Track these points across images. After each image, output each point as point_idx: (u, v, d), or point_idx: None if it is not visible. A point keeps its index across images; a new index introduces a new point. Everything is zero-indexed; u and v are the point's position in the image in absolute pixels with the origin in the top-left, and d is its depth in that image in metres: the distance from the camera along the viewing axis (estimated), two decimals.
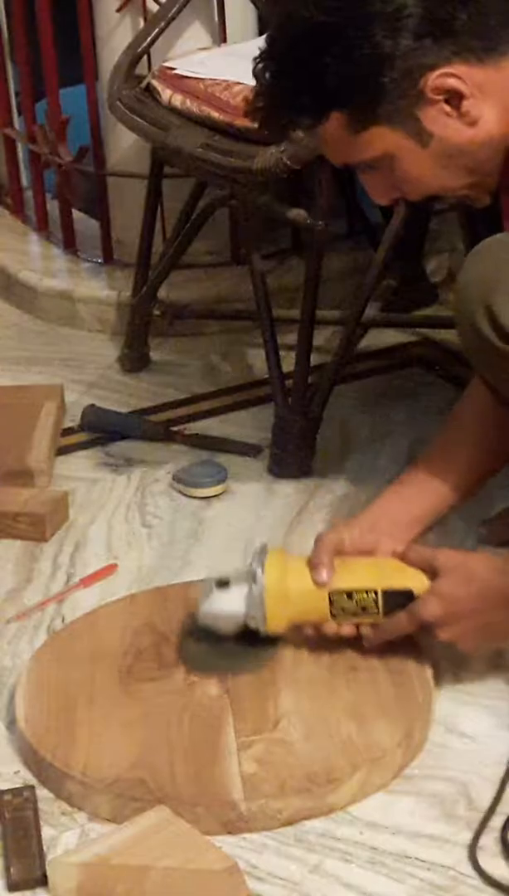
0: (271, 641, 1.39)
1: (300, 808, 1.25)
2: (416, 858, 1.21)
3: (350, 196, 2.29)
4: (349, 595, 1.35)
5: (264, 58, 1.30)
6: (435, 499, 1.43)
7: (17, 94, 2.64)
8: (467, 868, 1.19)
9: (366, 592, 1.35)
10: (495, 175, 1.32)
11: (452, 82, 1.24)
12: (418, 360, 2.16)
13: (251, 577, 1.35)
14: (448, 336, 2.06)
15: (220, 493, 1.82)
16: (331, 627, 1.38)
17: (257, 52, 1.31)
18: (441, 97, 1.25)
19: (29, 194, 2.65)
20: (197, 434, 1.97)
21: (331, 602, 1.35)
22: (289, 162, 1.71)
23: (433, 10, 1.22)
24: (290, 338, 1.87)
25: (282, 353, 1.88)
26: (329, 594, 1.35)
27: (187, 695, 1.37)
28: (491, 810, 1.24)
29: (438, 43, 1.23)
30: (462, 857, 1.20)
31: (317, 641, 1.40)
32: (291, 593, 1.35)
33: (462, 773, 1.30)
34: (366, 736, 1.31)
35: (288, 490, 1.82)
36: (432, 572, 1.34)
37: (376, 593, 1.35)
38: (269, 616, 1.35)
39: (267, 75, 1.29)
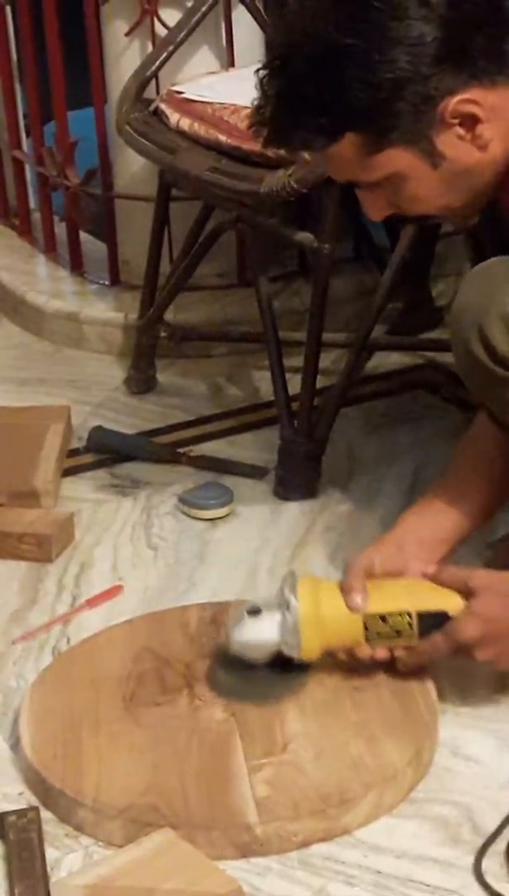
0: (302, 668, 1.39)
1: (315, 830, 1.25)
2: (421, 882, 1.20)
3: (356, 219, 2.30)
4: (383, 619, 1.34)
5: (274, 75, 1.28)
6: (459, 519, 1.43)
7: (25, 117, 2.66)
8: (471, 892, 1.19)
9: (401, 615, 1.34)
10: (486, 194, 1.34)
11: (471, 108, 1.25)
12: (424, 383, 2.16)
13: (285, 605, 1.34)
14: (453, 359, 2.06)
15: (226, 515, 1.82)
16: (364, 652, 1.37)
17: (260, 65, 1.30)
18: (456, 121, 1.26)
19: (37, 216, 2.67)
20: (203, 456, 1.97)
21: (365, 627, 1.34)
22: (296, 185, 1.72)
23: (452, 35, 1.23)
24: (296, 360, 1.88)
25: (288, 375, 1.89)
26: (363, 619, 1.34)
27: (193, 719, 1.37)
28: (497, 833, 1.24)
29: (457, 67, 1.24)
30: (466, 881, 1.20)
31: (350, 666, 1.39)
32: (325, 619, 1.34)
33: (466, 796, 1.30)
34: (376, 756, 1.31)
35: (293, 512, 1.82)
36: (467, 592, 1.34)
37: (410, 615, 1.34)
38: (304, 643, 1.34)
39: (277, 93, 1.28)
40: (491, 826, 1.26)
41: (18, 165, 2.68)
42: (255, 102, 1.31)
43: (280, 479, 1.87)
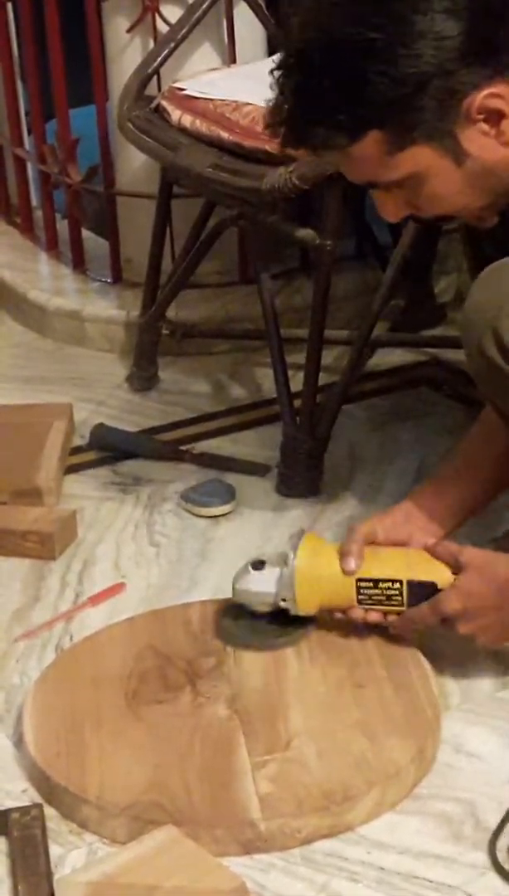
0: (303, 620, 1.45)
1: (318, 827, 1.25)
2: (424, 878, 1.21)
3: (358, 216, 2.30)
4: (374, 584, 1.40)
5: (290, 72, 1.25)
6: (469, 493, 1.46)
7: (27, 114, 2.66)
8: (474, 888, 1.19)
9: (392, 582, 1.39)
10: (507, 195, 1.32)
11: (497, 103, 1.23)
12: (426, 379, 2.17)
13: (283, 560, 1.42)
14: (456, 356, 2.06)
15: (228, 513, 1.82)
16: (357, 613, 1.42)
17: (275, 64, 1.26)
18: (482, 116, 1.24)
19: (38, 214, 2.67)
20: (205, 453, 1.97)
21: (357, 589, 1.40)
22: (297, 182, 1.72)
23: (476, 28, 1.20)
24: (299, 357, 1.88)
25: (290, 372, 1.89)
26: (356, 581, 1.40)
27: (196, 716, 1.37)
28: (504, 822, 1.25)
29: (481, 61, 1.21)
30: (469, 877, 1.20)
31: (345, 627, 1.45)
32: (321, 578, 1.41)
33: (469, 792, 1.30)
34: (379, 753, 1.31)
35: (296, 510, 1.83)
36: (456, 567, 1.37)
37: (401, 583, 1.39)
38: (299, 597, 1.41)
39: (296, 90, 1.25)
40: (494, 823, 1.26)
41: (20, 163, 2.68)
42: (271, 101, 1.29)
43: (282, 476, 1.87)
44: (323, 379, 1.86)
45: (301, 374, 1.85)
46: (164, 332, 2.19)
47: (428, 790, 1.31)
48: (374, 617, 1.42)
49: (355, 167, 1.30)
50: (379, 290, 1.89)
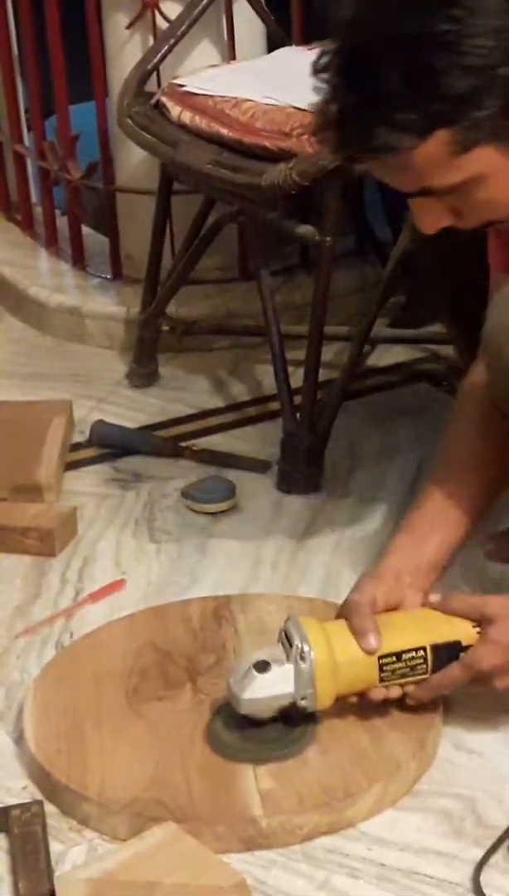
0: (311, 718, 1.32)
1: (320, 823, 1.25)
2: (424, 875, 1.21)
3: (358, 212, 2.30)
4: (398, 657, 1.29)
5: (346, 71, 1.16)
6: (449, 535, 1.39)
7: (26, 111, 2.66)
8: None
9: (416, 651, 1.30)
10: None
11: None
12: (426, 375, 2.16)
13: (298, 654, 1.28)
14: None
15: (229, 509, 1.82)
16: (379, 693, 1.31)
17: (319, 65, 1.18)
18: None
19: (38, 210, 2.67)
20: (205, 450, 1.97)
21: (380, 668, 1.29)
22: (297, 178, 1.72)
23: None
24: (299, 354, 1.88)
25: (290, 369, 1.89)
26: (378, 660, 1.29)
27: (197, 713, 1.37)
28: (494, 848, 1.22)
29: None
30: (470, 874, 1.20)
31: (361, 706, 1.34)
32: (340, 665, 1.28)
33: (470, 789, 1.30)
34: (379, 749, 1.31)
35: (296, 506, 1.82)
36: (481, 620, 1.30)
37: (425, 650, 1.30)
38: (320, 692, 1.28)
39: (353, 90, 1.16)
40: (495, 819, 1.26)
41: (20, 160, 2.67)
42: (318, 105, 1.19)
43: (282, 472, 1.87)
44: (323, 375, 1.86)
45: (301, 371, 1.85)
46: (164, 328, 2.19)
47: (429, 786, 1.31)
48: (395, 693, 1.32)
49: (413, 172, 1.20)
50: (378, 286, 1.89)
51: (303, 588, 1.63)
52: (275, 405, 1.98)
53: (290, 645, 1.29)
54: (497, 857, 1.21)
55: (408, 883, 1.20)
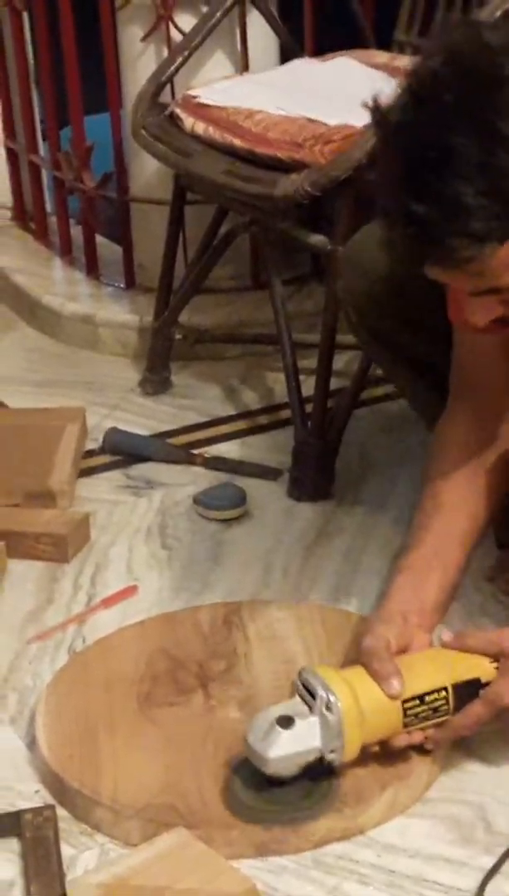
0: (332, 771, 1.27)
1: (332, 829, 1.25)
2: (434, 882, 1.21)
3: (370, 222, 2.30)
4: (421, 699, 1.26)
5: (408, 177, 1.10)
6: (447, 574, 1.37)
7: (41, 121, 2.67)
8: (485, 891, 1.19)
9: (438, 692, 1.26)
10: None
11: None
12: None
13: (324, 705, 1.22)
14: None
15: (240, 516, 1.83)
16: (402, 740, 1.28)
17: (399, 177, 1.10)
18: None
19: (53, 220, 2.68)
20: (217, 457, 1.98)
21: (404, 712, 1.26)
22: (310, 188, 1.73)
23: None
24: (310, 362, 1.89)
25: (301, 377, 1.90)
26: (402, 704, 1.26)
27: (209, 719, 1.38)
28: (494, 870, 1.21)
29: None
30: (479, 881, 1.20)
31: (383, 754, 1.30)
32: (366, 712, 1.24)
33: (479, 796, 1.31)
34: (391, 755, 1.30)
35: (307, 513, 1.83)
36: (499, 655, 1.28)
37: (446, 690, 1.26)
38: (348, 743, 1.24)
39: (420, 200, 1.09)
40: (505, 826, 1.26)
41: (35, 169, 2.69)
42: (388, 210, 1.14)
43: (293, 480, 1.88)
44: (334, 383, 1.87)
45: (312, 379, 1.86)
46: (177, 336, 2.20)
47: (439, 793, 1.31)
48: (418, 737, 1.28)
49: (485, 276, 1.15)
50: None
51: (314, 595, 1.64)
52: (286, 413, 1.99)
53: (312, 696, 1.24)
54: (507, 865, 1.22)
55: (418, 890, 1.20)
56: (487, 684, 1.28)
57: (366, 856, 1.24)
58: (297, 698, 1.26)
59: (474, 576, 1.62)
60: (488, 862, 1.22)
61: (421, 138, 1.10)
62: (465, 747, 1.36)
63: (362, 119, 1.74)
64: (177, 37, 2.22)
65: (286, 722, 1.23)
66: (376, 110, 1.15)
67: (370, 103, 1.14)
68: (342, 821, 1.26)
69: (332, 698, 1.23)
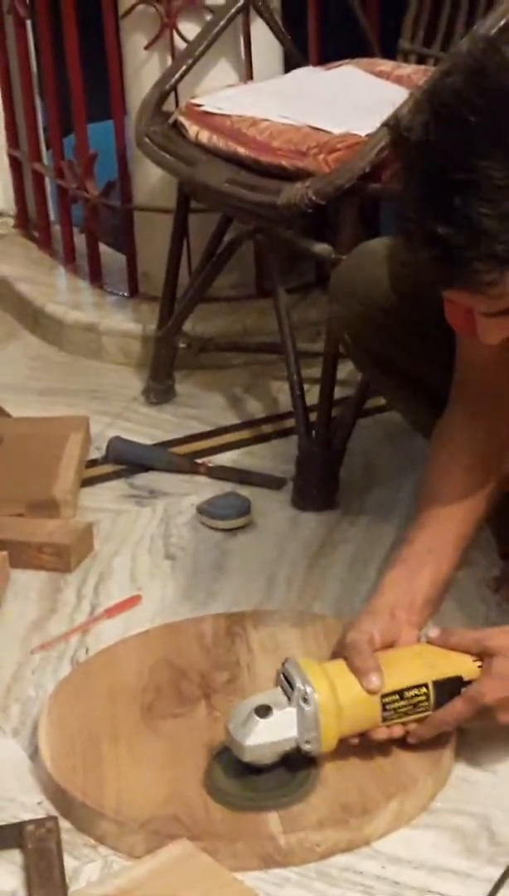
0: (311, 761, 1.30)
1: (338, 841, 1.25)
2: (438, 893, 1.20)
3: (374, 230, 2.30)
4: (400, 694, 1.27)
5: (430, 200, 1.09)
6: (439, 569, 1.38)
7: (45, 129, 2.68)
8: None
9: (417, 688, 1.27)
10: None
11: None
12: None
13: (301, 697, 1.25)
14: None
15: (244, 526, 1.82)
16: (381, 733, 1.29)
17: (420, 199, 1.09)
18: None
19: (56, 228, 2.68)
20: (221, 466, 1.97)
21: (383, 707, 1.27)
22: (314, 197, 1.73)
23: None
24: (314, 371, 1.88)
25: (305, 386, 1.90)
26: (381, 698, 1.27)
27: (212, 730, 1.37)
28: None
29: None
30: (484, 892, 1.20)
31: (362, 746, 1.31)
32: (344, 706, 1.26)
33: (484, 807, 1.30)
34: (395, 765, 1.31)
35: (311, 523, 1.83)
36: (483, 654, 1.29)
37: (427, 686, 1.28)
38: (324, 734, 1.26)
39: (442, 222, 1.08)
40: None
41: (38, 178, 2.69)
42: (410, 231, 1.12)
43: (298, 489, 1.87)
44: (338, 392, 1.87)
45: (316, 388, 1.86)
46: (181, 345, 2.20)
47: (443, 804, 1.31)
48: (398, 731, 1.29)
49: (505, 298, 1.14)
50: None
51: (318, 604, 1.64)
52: (290, 422, 1.98)
53: (292, 687, 1.26)
54: None
55: None
56: (470, 682, 1.29)
57: (371, 867, 1.24)
58: (278, 689, 1.28)
59: (478, 586, 1.62)
60: (493, 873, 1.22)
61: (445, 160, 1.09)
62: (470, 758, 1.35)
63: (366, 127, 1.76)
64: (180, 45, 2.22)
65: (264, 711, 1.25)
66: (395, 128, 1.14)
67: (390, 121, 1.14)
68: (348, 832, 1.25)
69: (309, 690, 1.25)
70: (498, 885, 1.20)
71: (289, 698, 1.26)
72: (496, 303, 1.16)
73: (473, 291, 1.14)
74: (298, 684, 1.26)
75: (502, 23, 1.74)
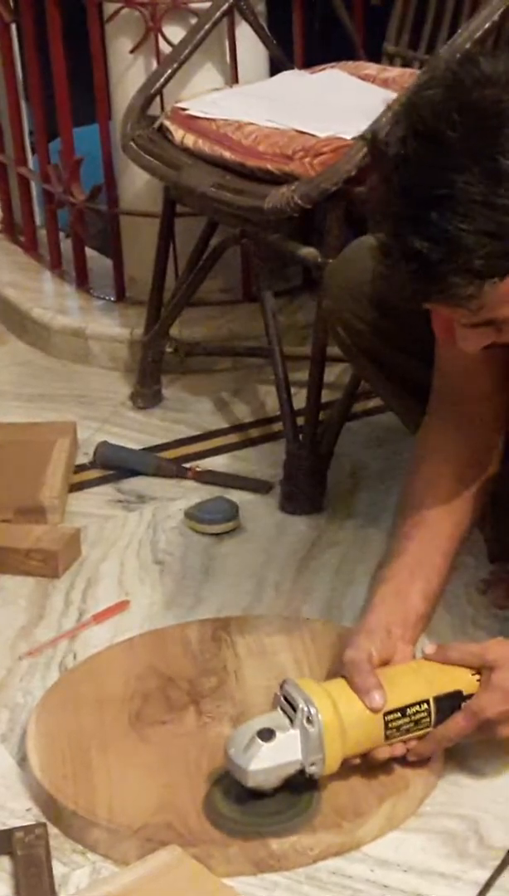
0: (312, 783, 1.27)
1: (330, 845, 1.25)
2: None
3: (360, 234, 2.30)
4: (402, 712, 1.26)
5: (406, 213, 1.10)
6: (430, 584, 1.37)
7: (30, 134, 2.67)
8: None
9: (419, 704, 1.26)
10: None
11: None
12: None
13: (304, 718, 1.23)
14: None
15: (232, 530, 1.82)
16: (384, 752, 1.28)
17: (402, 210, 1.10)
18: None
19: (42, 233, 2.68)
20: (208, 471, 1.97)
21: (385, 725, 1.26)
22: (300, 201, 1.73)
23: None
24: (301, 375, 1.88)
25: (293, 389, 1.90)
26: (384, 716, 1.26)
27: (202, 736, 1.37)
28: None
29: None
30: (472, 895, 1.20)
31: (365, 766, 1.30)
32: (348, 726, 1.24)
33: (473, 810, 1.30)
34: (387, 769, 1.30)
35: (299, 526, 1.83)
36: (482, 668, 1.28)
37: (428, 703, 1.27)
38: (329, 756, 1.24)
39: (419, 236, 1.09)
40: (497, 840, 1.26)
41: (24, 182, 2.69)
42: (387, 245, 1.13)
43: (285, 493, 1.87)
44: (325, 396, 1.87)
45: (304, 392, 1.86)
46: (168, 349, 2.20)
47: (433, 807, 1.31)
48: (400, 750, 1.28)
49: (484, 309, 1.15)
50: None
51: (306, 608, 1.64)
52: (277, 426, 1.98)
53: (294, 709, 1.24)
54: (501, 880, 1.21)
55: None
56: (469, 696, 1.28)
57: (360, 871, 1.24)
58: (279, 711, 1.26)
59: (467, 589, 1.62)
60: (481, 876, 1.22)
61: (422, 175, 1.09)
62: (459, 761, 1.35)
63: (352, 131, 1.76)
64: (166, 49, 2.22)
65: (267, 735, 1.23)
66: (373, 142, 1.15)
67: (367, 134, 1.14)
68: (340, 836, 1.25)
69: (313, 711, 1.22)
70: (486, 888, 1.20)
71: (291, 720, 1.24)
72: (475, 315, 1.16)
73: (452, 305, 1.14)
74: (301, 705, 1.23)
75: (487, 25, 1.74)
